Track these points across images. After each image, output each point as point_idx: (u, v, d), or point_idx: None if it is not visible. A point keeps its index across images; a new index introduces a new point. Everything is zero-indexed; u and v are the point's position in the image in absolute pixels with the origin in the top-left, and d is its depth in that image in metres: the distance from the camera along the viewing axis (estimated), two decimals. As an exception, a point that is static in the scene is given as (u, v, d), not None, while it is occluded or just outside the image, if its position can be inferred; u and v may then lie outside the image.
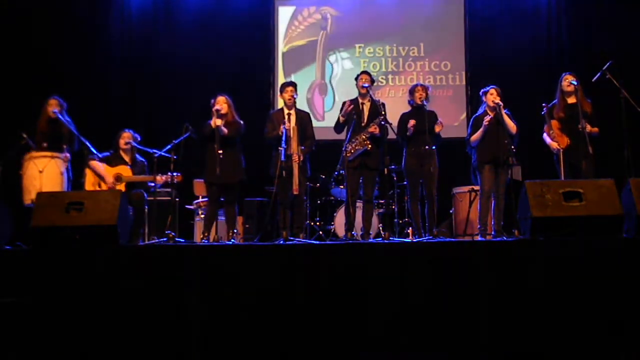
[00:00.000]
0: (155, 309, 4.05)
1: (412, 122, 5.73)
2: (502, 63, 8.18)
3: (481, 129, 5.72)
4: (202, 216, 6.55)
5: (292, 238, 5.32)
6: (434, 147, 5.79)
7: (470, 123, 5.99)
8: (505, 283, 3.96)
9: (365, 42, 8.62)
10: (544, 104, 5.79)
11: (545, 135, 5.79)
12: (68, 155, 5.81)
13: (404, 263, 4.08)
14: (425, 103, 5.86)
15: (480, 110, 5.93)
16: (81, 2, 8.35)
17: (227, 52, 8.43)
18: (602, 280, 3.90)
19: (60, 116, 5.87)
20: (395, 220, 7.01)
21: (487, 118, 5.69)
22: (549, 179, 4.69)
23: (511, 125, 5.72)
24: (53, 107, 5.90)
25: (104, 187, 5.91)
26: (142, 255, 4.29)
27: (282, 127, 5.63)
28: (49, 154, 5.68)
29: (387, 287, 4.01)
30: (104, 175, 5.91)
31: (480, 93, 5.97)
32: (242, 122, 5.92)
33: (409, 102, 6.02)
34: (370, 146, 5.75)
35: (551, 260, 3.97)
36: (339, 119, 5.95)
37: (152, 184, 5.96)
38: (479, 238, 5.85)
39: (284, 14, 8.75)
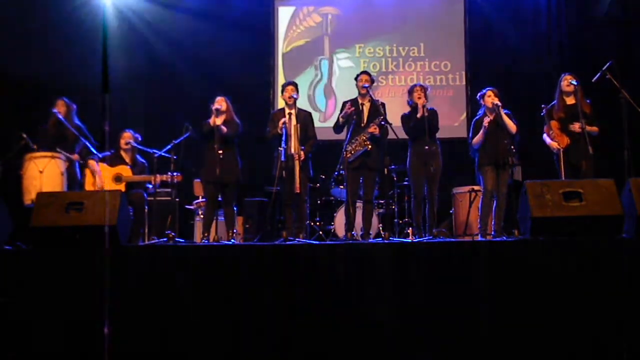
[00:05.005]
0: (155, 309, 4.06)
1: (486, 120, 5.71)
2: (502, 63, 8.18)
3: (482, 131, 5.73)
4: (202, 216, 6.56)
5: (292, 238, 5.32)
6: (438, 146, 5.80)
7: (471, 126, 5.98)
8: (505, 283, 3.96)
9: (365, 42, 8.62)
10: (542, 105, 5.80)
11: (545, 135, 5.80)
12: (77, 156, 5.85)
13: (404, 263, 4.08)
14: (425, 104, 5.84)
15: (480, 113, 5.92)
16: (81, 3, 8.35)
17: (227, 52, 8.43)
18: (602, 280, 3.90)
19: (61, 118, 5.88)
20: (395, 220, 7.01)
21: (487, 119, 5.69)
22: (549, 179, 4.69)
23: (511, 125, 5.72)
24: (56, 107, 5.93)
25: (104, 187, 5.91)
26: (142, 255, 4.29)
27: (281, 123, 5.62)
28: (49, 154, 5.68)
29: (387, 287, 4.01)
30: (99, 175, 5.91)
31: (478, 97, 5.98)
32: (239, 122, 5.92)
33: (408, 102, 6.01)
34: (370, 146, 5.74)
35: (551, 260, 3.97)
36: (338, 119, 5.95)
37: (150, 185, 5.96)
38: (479, 238, 5.85)
39: (283, 14, 8.75)
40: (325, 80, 8.65)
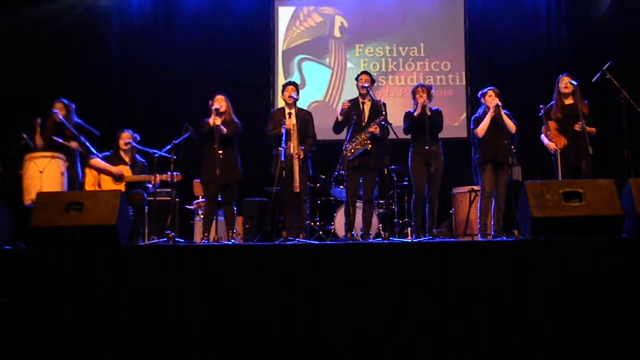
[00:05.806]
0: (156, 309, 4.05)
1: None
2: (502, 63, 8.19)
3: (487, 118, 5.68)
4: (202, 216, 6.56)
5: (292, 238, 5.32)
6: (440, 147, 5.81)
7: (472, 124, 5.97)
8: (505, 283, 3.96)
9: (365, 42, 8.62)
10: (541, 106, 5.81)
11: (543, 136, 5.81)
12: (75, 143, 5.88)
13: (403, 263, 4.08)
14: (427, 104, 5.83)
15: (480, 111, 5.93)
16: (81, 3, 8.35)
17: (227, 52, 8.44)
18: (602, 280, 3.90)
19: (62, 118, 5.89)
20: (395, 220, 7.01)
21: (493, 104, 5.66)
22: (549, 179, 4.69)
23: (511, 125, 5.72)
24: (55, 109, 5.94)
25: (104, 187, 5.91)
26: (142, 255, 4.29)
27: (282, 126, 5.63)
28: (49, 154, 5.69)
29: (387, 287, 4.01)
30: (107, 168, 5.93)
31: (479, 95, 5.98)
32: (238, 121, 5.93)
33: (414, 103, 6.00)
34: (370, 146, 5.74)
35: (551, 260, 3.97)
36: (337, 118, 5.95)
37: (149, 185, 5.96)
38: (479, 238, 5.85)
39: (284, 14, 8.74)
40: (319, 94, 8.58)
